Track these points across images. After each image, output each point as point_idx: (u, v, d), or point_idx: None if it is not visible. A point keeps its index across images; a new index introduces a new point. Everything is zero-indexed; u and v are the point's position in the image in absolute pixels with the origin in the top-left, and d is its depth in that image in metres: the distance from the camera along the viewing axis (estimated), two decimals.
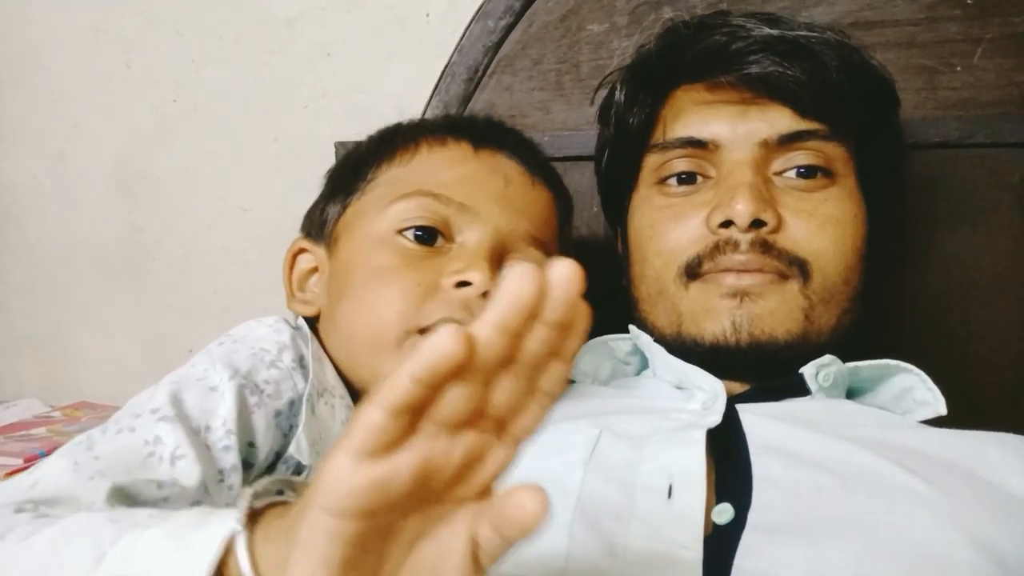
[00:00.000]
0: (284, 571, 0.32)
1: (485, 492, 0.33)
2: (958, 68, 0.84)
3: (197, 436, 0.55)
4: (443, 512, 0.33)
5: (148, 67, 1.17)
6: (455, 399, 0.30)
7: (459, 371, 0.29)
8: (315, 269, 0.71)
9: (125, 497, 0.51)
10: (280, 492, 0.39)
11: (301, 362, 0.63)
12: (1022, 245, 0.82)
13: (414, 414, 0.30)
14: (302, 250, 0.71)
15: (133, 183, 1.19)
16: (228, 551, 0.35)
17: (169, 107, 1.17)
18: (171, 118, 1.17)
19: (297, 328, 0.66)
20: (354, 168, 0.71)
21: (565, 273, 0.30)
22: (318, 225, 0.71)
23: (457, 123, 0.73)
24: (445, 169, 0.67)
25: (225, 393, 0.57)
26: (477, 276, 0.62)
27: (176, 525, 0.38)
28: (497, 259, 0.65)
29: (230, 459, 0.55)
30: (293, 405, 0.61)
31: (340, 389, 0.65)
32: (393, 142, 0.71)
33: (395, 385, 0.29)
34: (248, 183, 1.14)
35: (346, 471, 0.30)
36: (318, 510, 0.31)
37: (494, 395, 0.31)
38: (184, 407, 0.56)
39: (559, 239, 0.72)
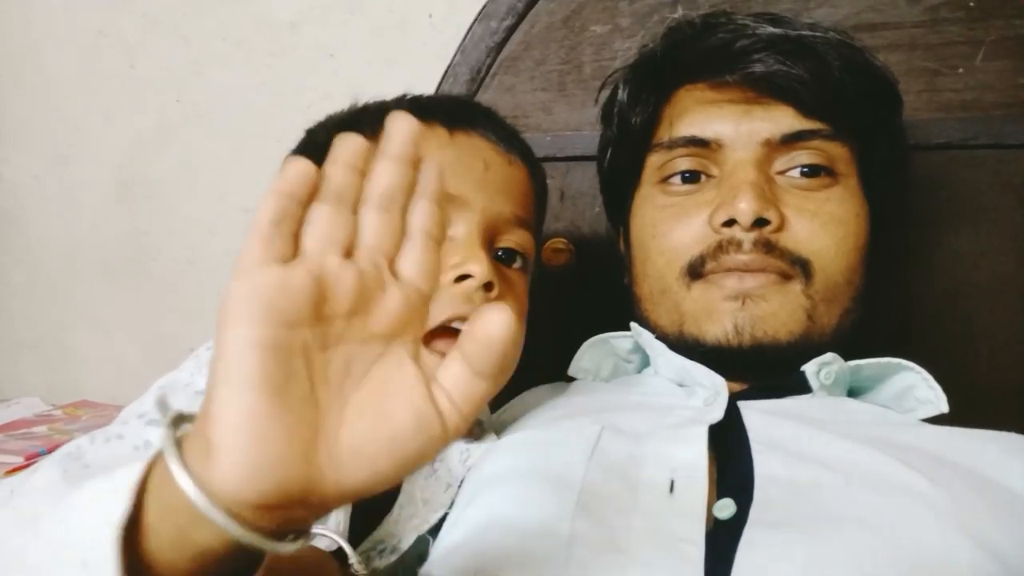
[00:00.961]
0: (208, 429, 0.30)
1: (406, 331, 0.35)
2: (960, 70, 0.84)
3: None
4: (370, 350, 0.34)
5: (150, 69, 1.18)
6: (320, 214, 0.34)
7: (315, 190, 0.34)
8: None
9: None
10: None
11: None
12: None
13: (291, 227, 0.33)
14: None
15: (135, 185, 1.19)
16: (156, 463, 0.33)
17: (171, 109, 1.17)
18: (173, 120, 1.17)
19: None
20: (318, 160, 0.68)
21: (401, 118, 0.37)
22: None
23: (425, 104, 0.69)
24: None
25: None
26: (477, 268, 0.61)
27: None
28: (488, 246, 0.63)
29: None
30: None
31: None
32: (356, 129, 0.66)
33: (264, 202, 0.33)
34: (250, 185, 1.14)
35: (249, 277, 0.31)
36: (229, 325, 0.30)
37: (364, 226, 0.35)
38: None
39: (538, 211, 0.71)
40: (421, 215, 0.36)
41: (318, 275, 0.32)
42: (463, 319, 0.59)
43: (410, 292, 0.35)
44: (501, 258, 0.65)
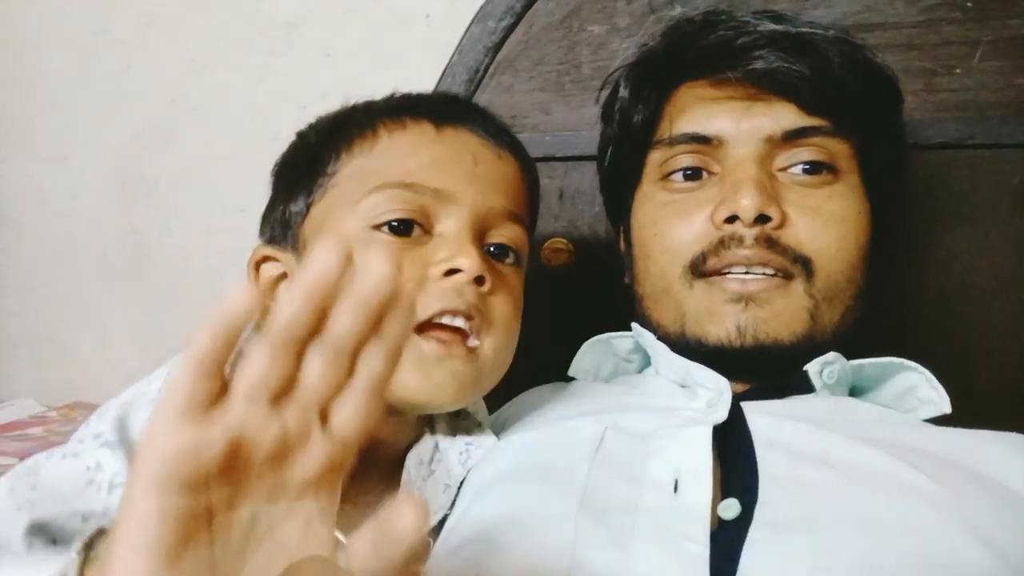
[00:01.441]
0: (109, 566, 0.30)
1: (321, 488, 0.33)
2: (957, 70, 0.84)
3: None
4: (280, 508, 0.32)
5: (148, 69, 1.17)
6: (255, 356, 0.31)
7: (253, 327, 0.31)
8: (283, 276, 0.66)
9: (44, 532, 0.49)
10: None
11: None
12: (1021, 245, 0.82)
13: (221, 364, 0.31)
14: (266, 258, 0.66)
15: (132, 184, 1.19)
16: None
17: (168, 108, 1.17)
18: (170, 119, 1.16)
19: None
20: (308, 162, 0.66)
21: (377, 258, 0.32)
22: (281, 229, 0.66)
23: (412, 102, 0.68)
24: (411, 155, 0.63)
25: None
26: (466, 262, 0.59)
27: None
28: (478, 241, 0.62)
29: None
30: None
31: None
32: (347, 130, 0.65)
33: (196, 344, 0.30)
34: (247, 184, 1.13)
35: (162, 437, 0.30)
36: (139, 487, 0.30)
37: (306, 375, 0.32)
38: (129, 432, 0.53)
39: (530, 206, 0.70)
40: (375, 362, 0.33)
41: (237, 434, 0.31)
42: (453, 313, 0.58)
43: (337, 446, 0.33)
44: (493, 253, 0.64)
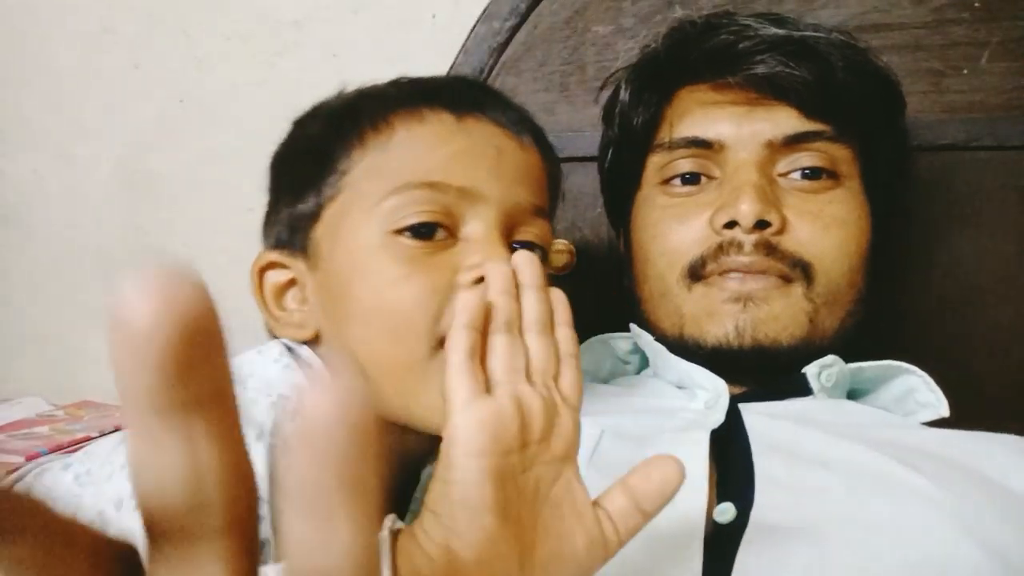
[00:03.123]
0: (450, 541, 0.34)
1: (573, 453, 0.39)
2: (965, 71, 0.83)
3: None
4: (550, 472, 0.37)
5: (153, 67, 1.18)
6: (503, 343, 0.38)
7: (488, 319, 0.38)
8: (291, 283, 0.62)
9: None
10: None
11: None
12: None
13: (480, 357, 0.37)
14: (271, 264, 0.62)
15: (137, 183, 1.19)
16: None
17: (175, 107, 1.17)
18: (176, 118, 1.17)
19: (297, 354, 0.59)
20: (315, 157, 0.61)
21: (523, 256, 0.42)
22: (288, 232, 0.61)
23: (428, 89, 0.63)
24: (431, 150, 0.58)
25: (255, 457, 0.50)
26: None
27: None
28: (507, 241, 0.58)
29: (264, 531, 0.48)
30: None
31: None
32: (357, 122, 0.60)
33: (455, 338, 0.37)
34: (253, 184, 1.14)
35: (468, 414, 0.35)
36: (463, 458, 0.35)
37: (532, 352, 0.39)
38: None
39: (552, 197, 0.66)
40: (565, 340, 0.40)
41: (519, 402, 0.36)
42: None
43: (574, 411, 0.39)
44: (517, 250, 0.61)
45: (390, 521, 0.38)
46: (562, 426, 0.38)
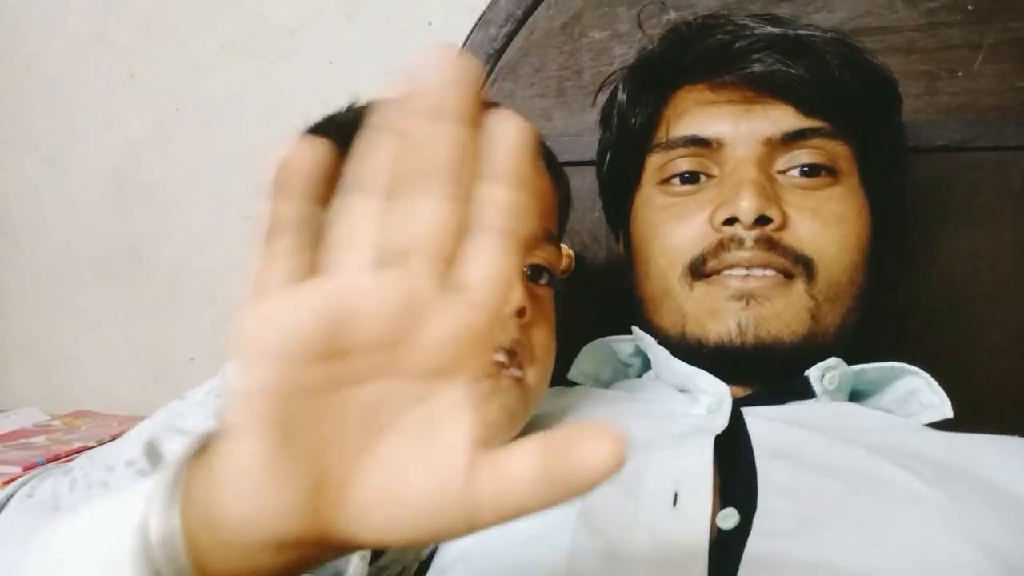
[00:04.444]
0: (219, 468, 0.27)
1: (457, 370, 0.27)
2: (959, 73, 0.84)
3: None
4: (408, 391, 0.27)
5: (148, 75, 1.18)
6: (354, 211, 0.26)
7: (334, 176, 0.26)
8: None
9: None
10: None
11: None
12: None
13: (306, 231, 0.27)
14: None
15: (132, 191, 1.19)
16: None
17: (170, 115, 1.17)
18: (171, 126, 1.17)
19: None
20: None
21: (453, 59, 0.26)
22: None
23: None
24: None
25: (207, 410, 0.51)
26: (511, 294, 0.55)
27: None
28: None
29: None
30: None
31: None
32: None
33: (266, 205, 0.27)
34: (248, 191, 1.14)
35: (252, 308, 0.26)
36: (242, 362, 0.26)
37: (413, 220, 0.26)
38: (164, 458, 0.50)
39: (562, 222, 0.67)
40: (494, 204, 0.26)
41: (341, 299, 0.25)
42: (503, 350, 0.56)
43: (473, 311, 0.26)
44: (528, 275, 0.61)
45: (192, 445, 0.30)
46: (440, 328, 0.26)
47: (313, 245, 0.26)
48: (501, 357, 0.56)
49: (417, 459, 0.26)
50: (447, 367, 0.27)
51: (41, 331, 1.24)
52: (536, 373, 0.59)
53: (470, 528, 0.26)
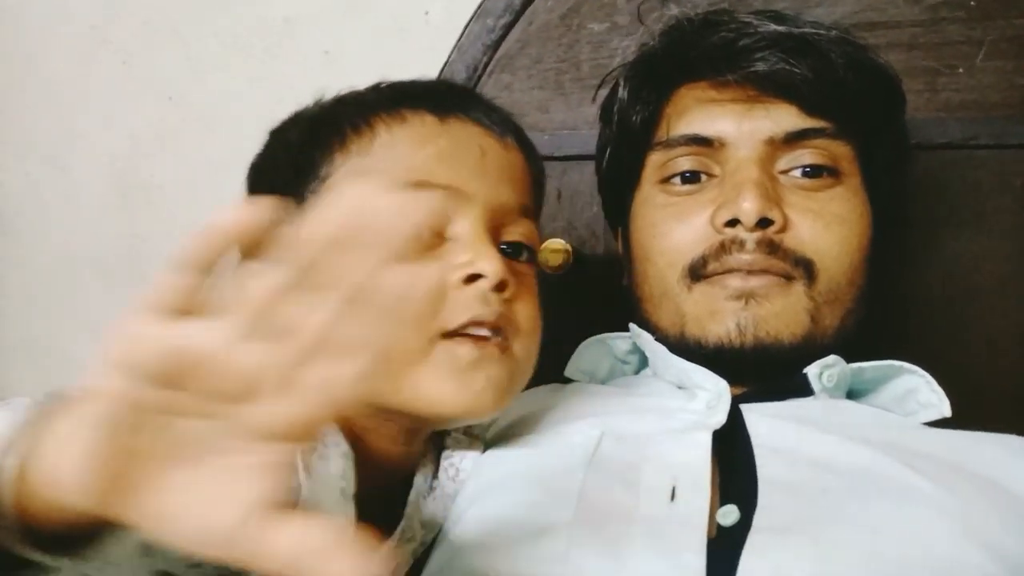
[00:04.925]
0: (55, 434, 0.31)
1: (277, 441, 0.29)
2: (960, 70, 0.83)
3: None
4: (219, 437, 0.29)
5: (146, 71, 1.17)
6: (267, 285, 0.28)
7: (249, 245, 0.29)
8: None
9: None
10: None
11: None
12: None
13: (199, 282, 0.29)
14: None
15: (131, 189, 1.18)
16: None
17: (167, 110, 1.16)
18: (170, 122, 1.16)
19: None
20: (295, 165, 0.60)
21: (423, 203, 0.29)
22: None
23: (408, 92, 0.63)
24: (414, 150, 0.58)
25: None
26: (488, 266, 0.55)
27: None
28: (494, 240, 0.58)
29: None
30: None
31: (334, 433, 0.54)
32: (338, 127, 0.60)
33: (191, 242, 0.29)
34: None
35: (127, 323, 0.29)
36: (103, 363, 0.29)
37: (315, 316, 0.28)
38: None
39: (536, 197, 0.66)
40: (389, 325, 0.29)
41: (199, 346, 0.28)
42: (480, 324, 0.55)
43: (317, 406, 0.29)
44: (507, 252, 0.60)
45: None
46: (276, 407, 0.28)
47: (206, 287, 0.29)
48: (485, 332, 0.55)
49: (208, 493, 0.29)
50: (268, 436, 0.29)
51: (41, 331, 1.24)
52: (522, 345, 0.58)
53: (229, 559, 0.29)
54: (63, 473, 0.29)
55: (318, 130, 0.61)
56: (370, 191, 0.29)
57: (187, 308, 0.29)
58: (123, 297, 1.20)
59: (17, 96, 1.22)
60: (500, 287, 0.56)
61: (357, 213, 0.28)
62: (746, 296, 0.62)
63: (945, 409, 0.62)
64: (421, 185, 0.56)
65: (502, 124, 0.62)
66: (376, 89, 0.65)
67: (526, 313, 0.59)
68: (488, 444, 0.64)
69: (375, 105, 0.61)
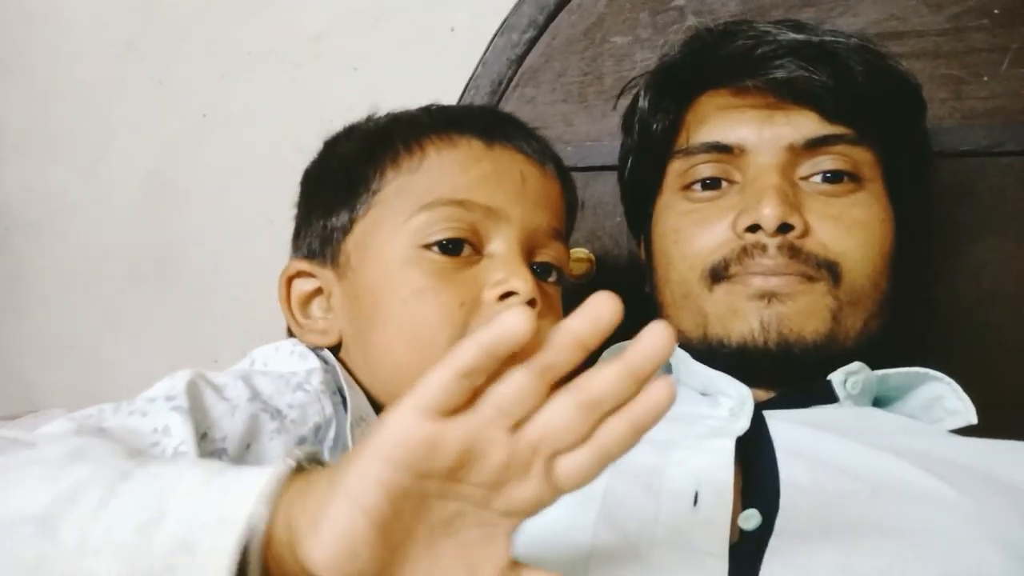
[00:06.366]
0: (320, 517, 0.32)
1: (520, 517, 0.35)
2: (985, 78, 0.83)
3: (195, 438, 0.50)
4: (479, 516, 0.34)
5: (178, 82, 1.19)
6: (516, 380, 0.32)
7: (521, 353, 0.32)
8: (317, 292, 0.65)
9: None
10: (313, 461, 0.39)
11: (329, 387, 0.59)
12: None
13: (475, 384, 0.32)
14: (300, 273, 0.65)
15: (162, 195, 1.21)
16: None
17: (198, 121, 1.19)
18: (200, 131, 1.18)
19: (315, 352, 0.63)
20: (348, 176, 0.65)
21: (658, 333, 0.33)
22: (319, 244, 0.65)
23: (458, 117, 0.67)
24: (460, 171, 0.62)
25: (238, 411, 0.53)
26: (521, 284, 0.59)
27: (212, 465, 0.38)
28: (528, 261, 0.62)
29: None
30: (320, 431, 0.57)
31: (374, 417, 0.60)
32: (391, 144, 0.64)
33: (463, 350, 0.32)
34: (274, 195, 1.15)
35: (407, 422, 0.32)
36: (371, 457, 0.32)
37: (553, 411, 0.33)
38: (200, 402, 0.52)
39: (569, 223, 0.70)
40: (620, 428, 0.33)
41: (472, 446, 0.33)
42: None
43: (551, 492, 0.34)
44: (538, 272, 0.63)
45: (299, 452, 0.37)
46: (522, 492, 0.34)
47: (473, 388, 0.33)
48: None
49: (461, 562, 0.34)
50: (513, 513, 0.34)
51: (71, 334, 1.26)
52: None
53: None
54: (331, 556, 0.32)
55: (372, 145, 0.66)
56: (614, 309, 0.33)
57: (455, 407, 0.32)
58: (152, 301, 1.24)
59: (52, 105, 1.25)
60: (531, 304, 0.59)
61: (603, 325, 0.33)
62: (768, 295, 0.62)
63: (971, 416, 0.62)
64: (464, 204, 0.60)
65: (543, 152, 0.67)
66: (428, 111, 0.69)
67: (551, 330, 0.61)
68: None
69: (427, 127, 0.65)
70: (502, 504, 0.34)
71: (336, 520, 0.32)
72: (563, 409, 0.33)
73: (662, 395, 0.33)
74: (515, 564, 0.35)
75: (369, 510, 0.32)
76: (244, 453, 0.52)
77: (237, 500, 0.34)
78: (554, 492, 0.34)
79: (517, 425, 0.33)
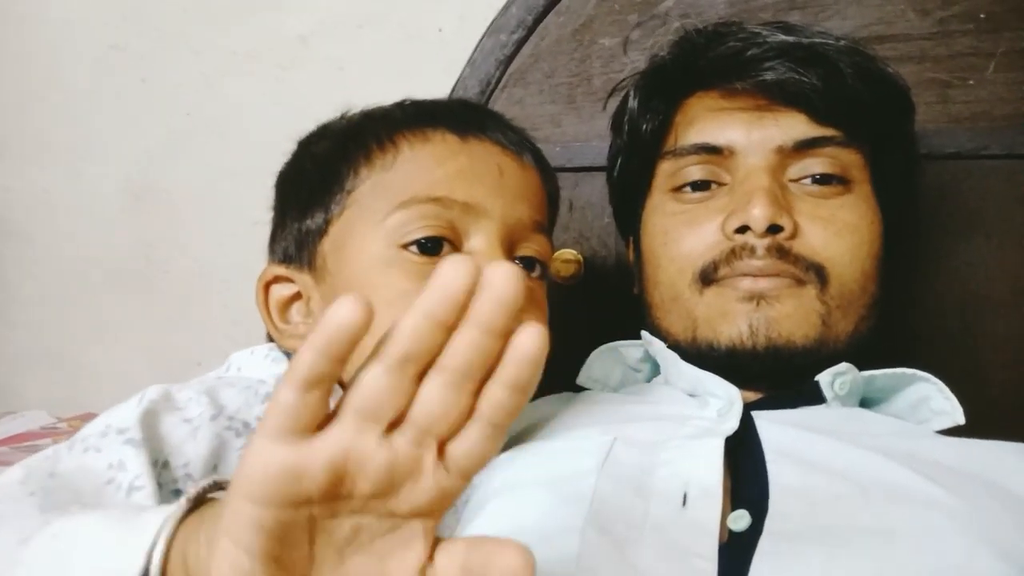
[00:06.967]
0: (210, 557, 0.31)
1: (430, 514, 0.32)
2: (971, 82, 0.84)
3: (155, 468, 0.49)
4: (384, 524, 0.32)
5: (162, 83, 1.18)
6: (372, 378, 0.29)
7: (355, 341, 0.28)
8: (296, 296, 0.63)
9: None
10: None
11: None
12: None
13: (327, 386, 0.29)
14: (277, 278, 0.64)
15: (145, 198, 1.20)
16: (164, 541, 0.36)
17: (182, 122, 1.17)
18: (184, 133, 1.17)
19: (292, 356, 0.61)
20: (322, 176, 0.63)
21: (503, 274, 0.29)
22: (295, 248, 0.63)
23: (431, 111, 0.65)
24: (435, 167, 0.60)
25: (199, 432, 0.52)
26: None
27: (112, 513, 0.38)
28: (509, 256, 0.61)
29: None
30: None
31: None
32: (363, 142, 0.63)
33: (299, 359, 0.29)
34: (259, 198, 1.14)
35: (262, 454, 0.29)
36: (238, 498, 0.30)
37: (423, 400, 0.30)
38: (156, 430, 0.51)
39: (551, 214, 0.68)
40: (501, 391, 0.30)
41: (341, 461, 0.29)
42: None
43: (452, 479, 0.31)
44: (521, 267, 0.62)
45: (204, 483, 0.37)
46: (419, 489, 0.31)
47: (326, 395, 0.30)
48: None
49: (377, 571, 0.32)
50: (421, 513, 0.32)
51: (53, 337, 1.25)
52: None
53: None
54: None
55: (345, 143, 0.64)
56: (465, 267, 0.29)
57: (310, 424, 0.29)
58: (135, 303, 1.22)
59: (34, 105, 1.24)
60: None
61: (452, 290, 0.29)
62: (757, 297, 0.62)
63: (958, 416, 0.62)
64: (440, 201, 0.59)
65: (520, 143, 0.65)
66: (401, 106, 0.67)
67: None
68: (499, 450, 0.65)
69: (400, 122, 0.63)
70: (404, 507, 0.31)
71: (222, 561, 0.30)
72: (432, 394, 0.30)
73: (529, 344, 0.29)
74: (432, 560, 0.32)
75: (251, 550, 0.30)
76: (211, 475, 0.50)
77: (134, 547, 0.35)
78: (458, 479, 0.31)
79: (394, 425, 0.30)
